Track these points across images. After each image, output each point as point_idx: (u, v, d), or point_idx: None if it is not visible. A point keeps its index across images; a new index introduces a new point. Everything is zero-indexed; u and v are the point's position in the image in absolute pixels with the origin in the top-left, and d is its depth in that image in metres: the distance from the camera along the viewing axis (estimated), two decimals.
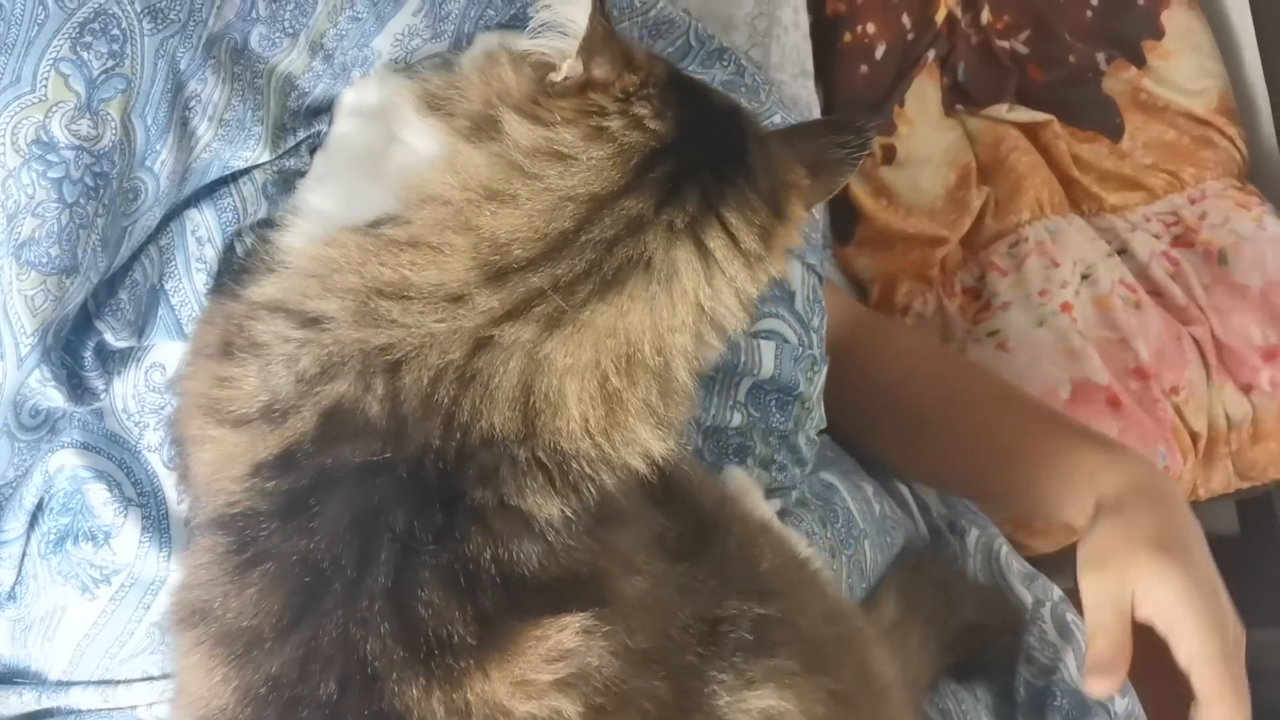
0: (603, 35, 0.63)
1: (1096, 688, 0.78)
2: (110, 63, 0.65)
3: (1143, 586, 0.79)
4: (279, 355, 0.59)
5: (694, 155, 0.63)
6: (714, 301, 0.63)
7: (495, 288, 0.58)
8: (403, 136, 0.65)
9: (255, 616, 0.55)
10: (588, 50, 0.62)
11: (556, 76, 0.63)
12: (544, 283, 0.58)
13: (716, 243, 0.62)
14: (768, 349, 0.89)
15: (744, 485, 0.85)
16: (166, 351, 0.72)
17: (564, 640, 0.54)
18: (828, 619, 0.70)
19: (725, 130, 0.66)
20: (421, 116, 0.64)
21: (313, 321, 0.59)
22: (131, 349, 0.72)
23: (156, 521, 0.71)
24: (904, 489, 1.10)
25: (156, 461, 0.72)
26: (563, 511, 0.57)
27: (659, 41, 0.94)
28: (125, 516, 0.70)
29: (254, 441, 0.58)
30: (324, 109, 0.77)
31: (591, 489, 0.59)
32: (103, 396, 0.72)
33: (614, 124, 0.62)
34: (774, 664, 0.61)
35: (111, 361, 0.72)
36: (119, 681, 0.72)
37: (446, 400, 0.57)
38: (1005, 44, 1.54)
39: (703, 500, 0.71)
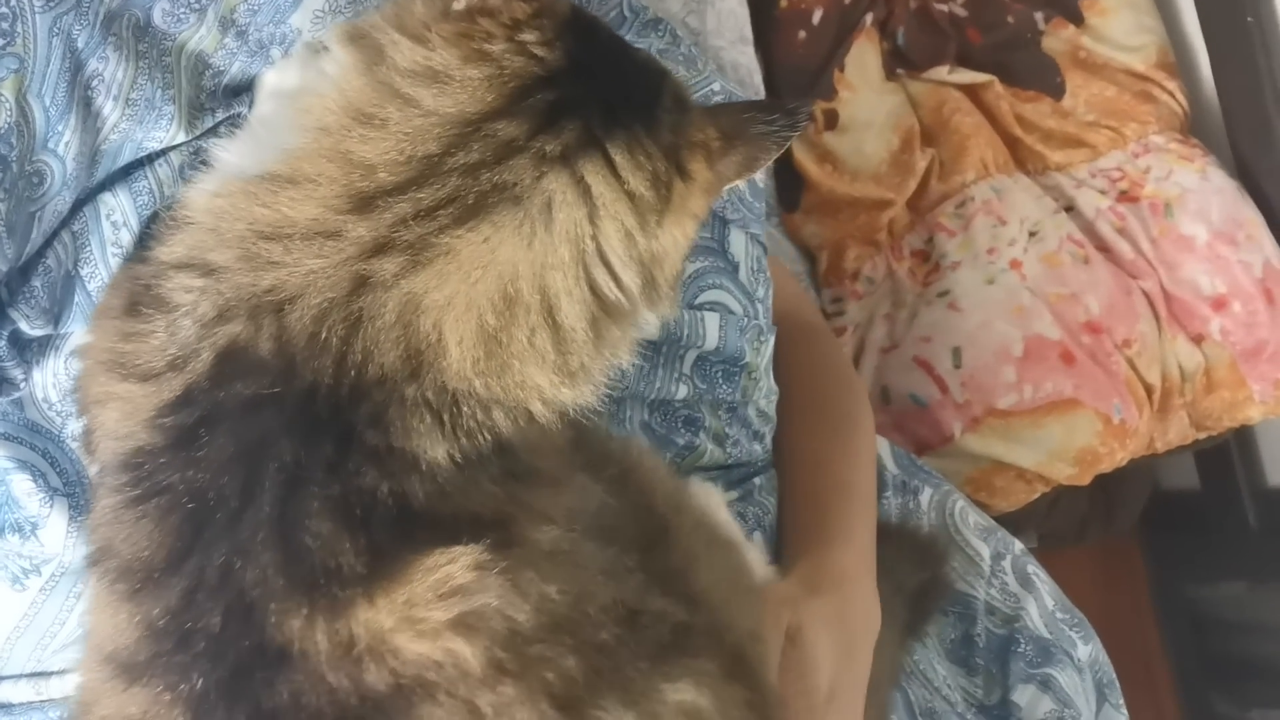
0: None
1: None
2: (0, 42, 0.63)
3: None
4: (184, 306, 0.57)
5: (583, 91, 0.61)
6: (599, 242, 0.60)
7: (363, 216, 0.56)
8: (325, 70, 0.63)
9: (148, 549, 0.54)
10: None
11: (458, 5, 0.61)
12: (408, 209, 0.56)
13: (596, 178, 0.59)
14: (711, 320, 0.88)
15: (710, 500, 0.84)
16: (82, 339, 0.70)
17: (454, 573, 0.52)
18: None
19: (636, 80, 0.64)
20: (341, 47, 0.62)
21: (210, 271, 0.57)
22: (49, 337, 0.70)
23: (84, 510, 0.69)
24: None
25: (80, 450, 0.70)
26: (451, 455, 0.55)
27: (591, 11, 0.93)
28: (51, 506, 0.69)
29: (160, 390, 0.57)
30: (244, 88, 0.75)
31: (486, 435, 0.57)
32: (22, 386, 0.70)
33: (496, 47, 0.60)
34: (693, 664, 0.59)
35: (29, 351, 0.70)
36: (52, 673, 0.71)
37: (335, 340, 0.55)
38: (943, 7, 1.54)
39: (657, 503, 0.69)
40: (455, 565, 0.52)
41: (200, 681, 0.51)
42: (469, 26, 0.60)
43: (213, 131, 0.73)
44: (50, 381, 0.70)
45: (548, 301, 0.58)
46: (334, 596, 0.51)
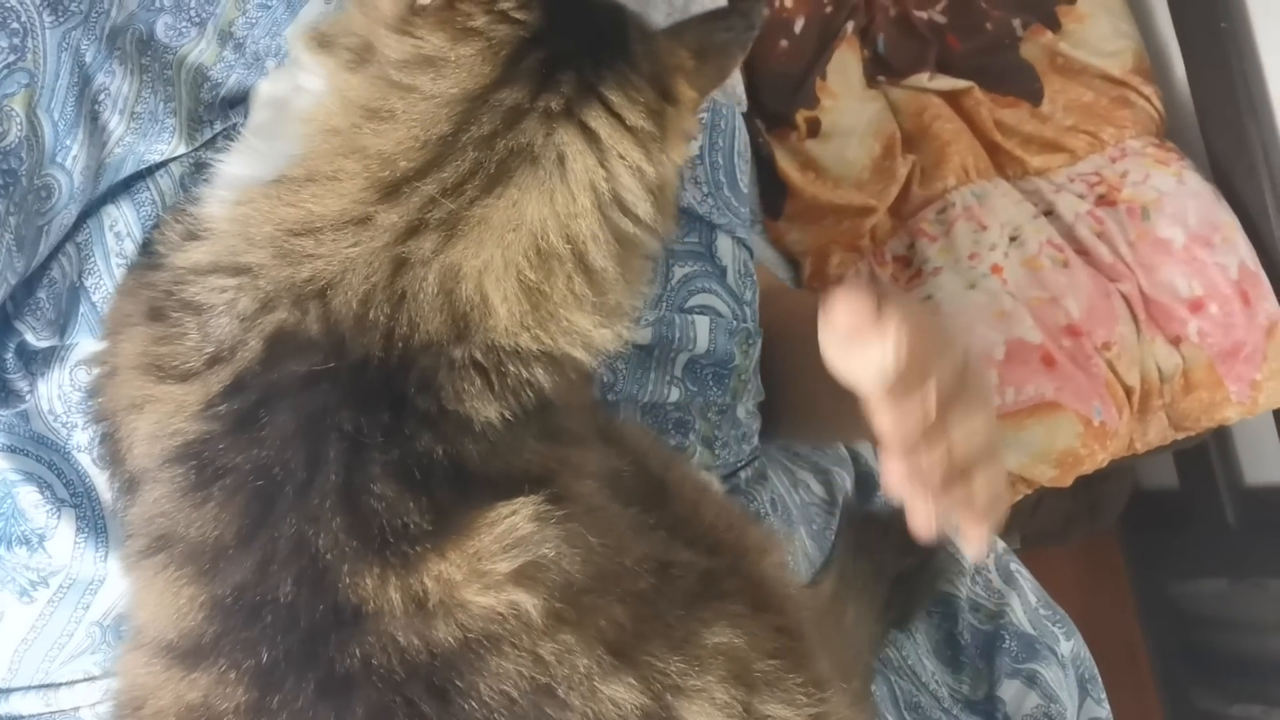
0: None
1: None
2: (11, 57, 0.64)
3: None
4: (219, 306, 0.59)
5: (568, 43, 0.63)
6: (612, 183, 0.63)
7: (392, 203, 0.59)
8: (301, 83, 0.65)
9: (217, 529, 0.56)
10: None
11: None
12: (434, 189, 0.59)
13: (600, 122, 0.62)
14: (702, 324, 0.89)
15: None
16: (91, 350, 0.71)
17: (518, 524, 0.55)
18: (763, 550, 0.71)
19: (603, 21, 0.67)
20: (313, 55, 0.64)
21: (244, 270, 0.60)
22: (54, 349, 0.71)
23: (91, 521, 0.70)
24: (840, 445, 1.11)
25: (87, 461, 0.71)
26: (502, 415, 0.58)
27: None
28: (59, 518, 0.70)
29: (206, 384, 0.58)
30: (240, 100, 0.76)
31: (530, 392, 0.60)
32: (28, 398, 0.71)
33: (479, 21, 0.62)
34: (723, 606, 0.62)
35: (35, 363, 0.71)
36: (60, 684, 0.72)
37: (382, 318, 0.58)
38: (923, 14, 1.56)
39: (650, 463, 0.72)
40: (518, 516, 0.55)
41: (268, 655, 0.53)
42: (449, 11, 0.62)
43: (211, 143, 0.74)
44: (56, 393, 0.71)
45: (577, 249, 0.61)
46: (405, 554, 0.54)
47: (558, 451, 0.61)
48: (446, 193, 0.59)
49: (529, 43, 0.62)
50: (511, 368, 0.60)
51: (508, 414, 0.59)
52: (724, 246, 0.94)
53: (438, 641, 0.53)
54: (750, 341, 0.94)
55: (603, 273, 0.62)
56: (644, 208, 0.64)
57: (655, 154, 0.65)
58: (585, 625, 0.55)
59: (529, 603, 0.54)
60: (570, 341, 0.62)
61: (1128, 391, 1.41)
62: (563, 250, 0.61)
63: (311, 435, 0.56)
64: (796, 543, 0.92)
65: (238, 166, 0.64)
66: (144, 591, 0.58)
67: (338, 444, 0.55)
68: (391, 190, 0.59)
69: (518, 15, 0.62)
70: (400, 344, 0.58)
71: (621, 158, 0.63)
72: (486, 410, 0.58)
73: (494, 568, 0.54)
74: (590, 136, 0.62)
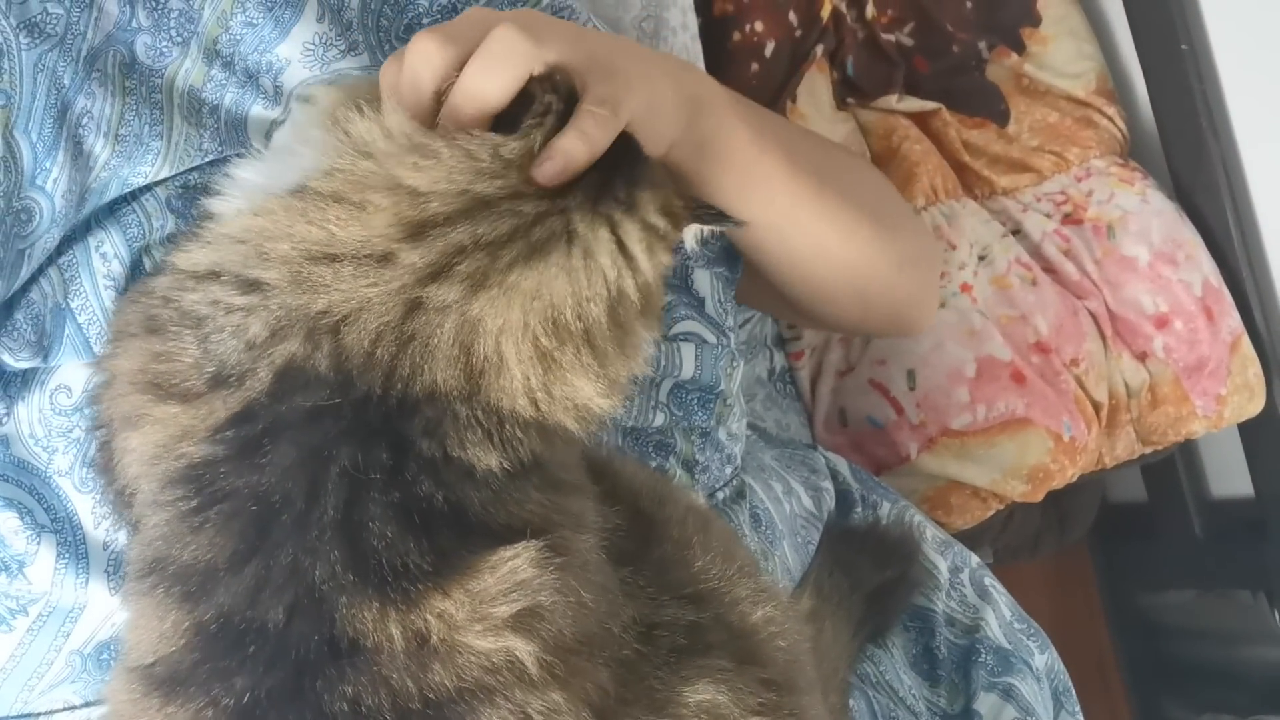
0: None
1: None
2: None
3: None
4: (225, 325, 0.59)
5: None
6: (620, 281, 0.63)
7: (415, 243, 0.59)
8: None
9: (210, 552, 0.55)
10: None
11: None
12: (466, 239, 0.59)
13: (627, 230, 0.63)
14: (688, 350, 0.90)
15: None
16: (72, 373, 0.71)
17: (519, 567, 0.55)
18: (756, 601, 0.71)
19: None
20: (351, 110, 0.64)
21: (254, 286, 0.59)
22: (34, 371, 0.71)
23: (73, 547, 0.70)
24: (819, 458, 1.12)
25: (68, 486, 0.70)
26: (502, 465, 0.58)
27: None
28: (39, 544, 0.69)
29: (212, 410, 0.58)
30: (241, 124, 0.76)
31: (524, 449, 0.60)
32: (5, 421, 0.71)
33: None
34: (707, 663, 0.62)
35: (12, 385, 0.71)
36: (39, 714, 0.71)
37: (387, 357, 0.58)
38: (890, 37, 1.58)
39: (643, 502, 0.72)
40: (519, 560, 0.55)
41: (249, 692, 0.52)
42: None
43: (198, 170, 0.74)
44: (36, 417, 0.70)
45: (586, 327, 0.62)
46: (405, 590, 0.53)
47: (558, 501, 0.61)
48: (479, 247, 0.59)
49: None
50: (508, 428, 0.60)
51: (508, 465, 0.59)
52: (700, 279, 0.94)
53: (433, 686, 0.52)
54: (734, 364, 0.94)
55: (604, 354, 0.63)
56: (636, 301, 0.65)
57: (658, 254, 0.66)
58: (574, 686, 0.55)
59: (525, 650, 0.54)
60: (572, 407, 0.62)
61: (1096, 407, 1.43)
62: (575, 326, 0.61)
63: (311, 468, 0.55)
64: (777, 559, 0.92)
65: (255, 174, 0.64)
66: (134, 614, 0.58)
67: (338, 479, 0.55)
68: (417, 230, 0.59)
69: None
70: (400, 384, 0.58)
71: (635, 259, 0.64)
72: (488, 459, 0.58)
73: (494, 611, 0.54)
74: (617, 240, 0.63)
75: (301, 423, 0.56)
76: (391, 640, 0.52)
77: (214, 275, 0.60)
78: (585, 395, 0.62)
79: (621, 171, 0.64)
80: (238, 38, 0.75)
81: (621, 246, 0.63)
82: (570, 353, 0.61)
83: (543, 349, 0.60)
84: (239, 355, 0.58)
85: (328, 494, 0.55)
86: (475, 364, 0.59)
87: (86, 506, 0.70)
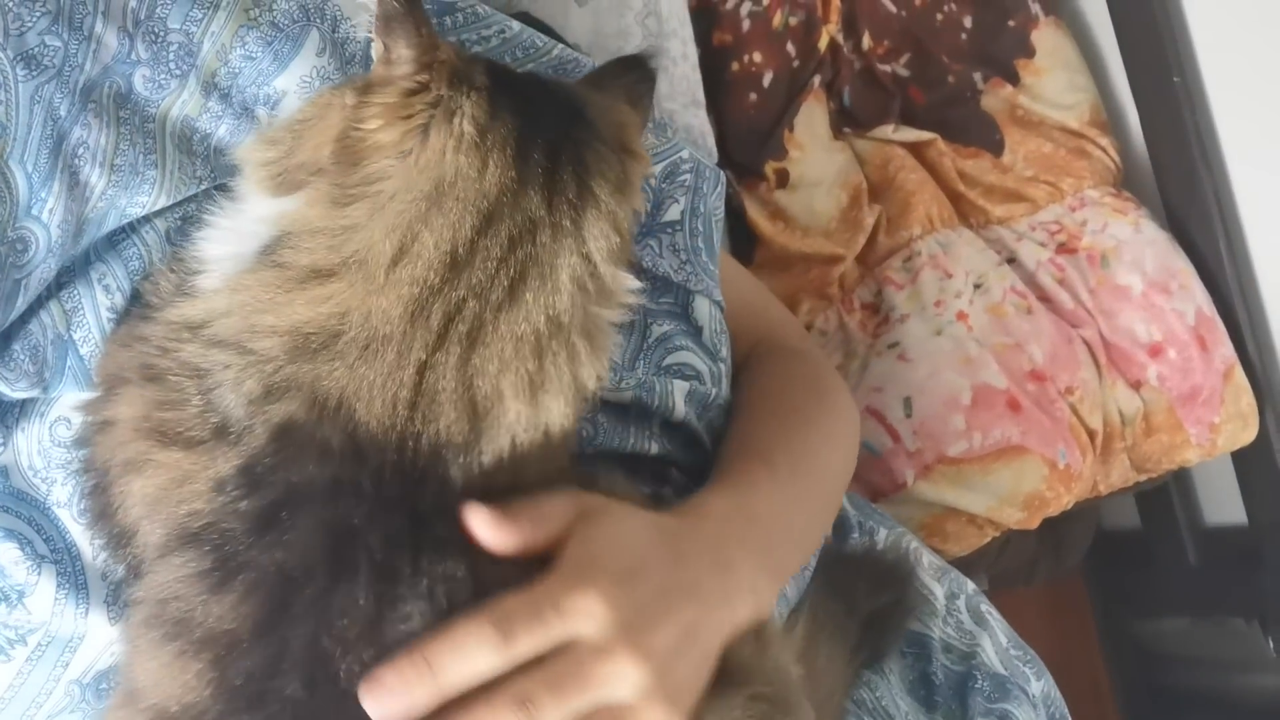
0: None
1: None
2: None
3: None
4: (224, 380, 0.61)
5: (549, 130, 0.66)
6: (591, 269, 0.66)
7: (415, 322, 0.61)
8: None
9: (234, 621, 0.57)
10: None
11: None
12: (461, 294, 0.61)
13: (591, 223, 0.66)
14: (680, 391, 0.90)
15: None
16: (72, 403, 0.71)
17: None
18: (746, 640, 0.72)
19: (557, 95, 0.70)
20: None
21: (249, 352, 0.61)
22: (33, 402, 0.71)
23: (72, 577, 0.70)
24: None
25: (67, 517, 0.70)
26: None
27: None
28: (39, 574, 0.69)
29: (213, 459, 0.60)
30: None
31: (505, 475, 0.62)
32: (2, 452, 0.71)
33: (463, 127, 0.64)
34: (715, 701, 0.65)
35: (10, 415, 0.71)
36: None
37: (400, 422, 0.60)
38: (887, 68, 1.59)
39: None
40: None
41: None
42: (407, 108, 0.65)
43: (194, 199, 0.75)
44: (35, 448, 0.70)
45: (564, 332, 0.64)
46: None
47: None
48: (474, 297, 0.61)
49: (526, 138, 0.65)
50: (492, 475, 0.62)
51: None
52: (700, 308, 0.95)
53: None
54: (723, 416, 0.95)
55: (575, 348, 0.65)
56: (610, 271, 0.67)
57: (623, 221, 0.68)
58: None
59: None
60: (538, 432, 0.64)
61: (1091, 435, 1.44)
62: (555, 337, 0.64)
63: (338, 551, 0.57)
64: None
65: (222, 249, 0.66)
66: (148, 659, 0.59)
67: (368, 569, 0.57)
68: (420, 309, 0.61)
69: (480, 113, 0.64)
70: (412, 443, 0.60)
71: (600, 243, 0.66)
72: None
73: None
74: (580, 240, 0.66)
75: (322, 498, 0.58)
76: None
77: (213, 337, 0.62)
78: (555, 415, 0.64)
79: (569, 136, 0.66)
80: (236, 70, 0.75)
81: (585, 246, 0.65)
82: (549, 366, 0.64)
83: (528, 375, 0.63)
84: (238, 410, 0.60)
85: (358, 584, 0.57)
86: (479, 407, 0.61)
87: (86, 537, 0.70)
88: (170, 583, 0.59)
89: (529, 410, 0.63)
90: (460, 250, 0.62)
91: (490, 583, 0.59)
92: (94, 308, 0.71)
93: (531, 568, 0.61)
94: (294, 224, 0.63)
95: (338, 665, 0.55)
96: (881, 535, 1.08)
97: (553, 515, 0.63)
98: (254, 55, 0.75)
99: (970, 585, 1.09)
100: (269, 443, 0.59)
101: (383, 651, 0.56)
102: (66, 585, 0.69)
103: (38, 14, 0.66)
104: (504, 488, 0.62)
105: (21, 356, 0.69)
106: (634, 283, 0.70)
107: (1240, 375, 1.47)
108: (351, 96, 0.66)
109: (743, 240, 1.49)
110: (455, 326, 0.61)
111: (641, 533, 0.68)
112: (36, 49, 0.66)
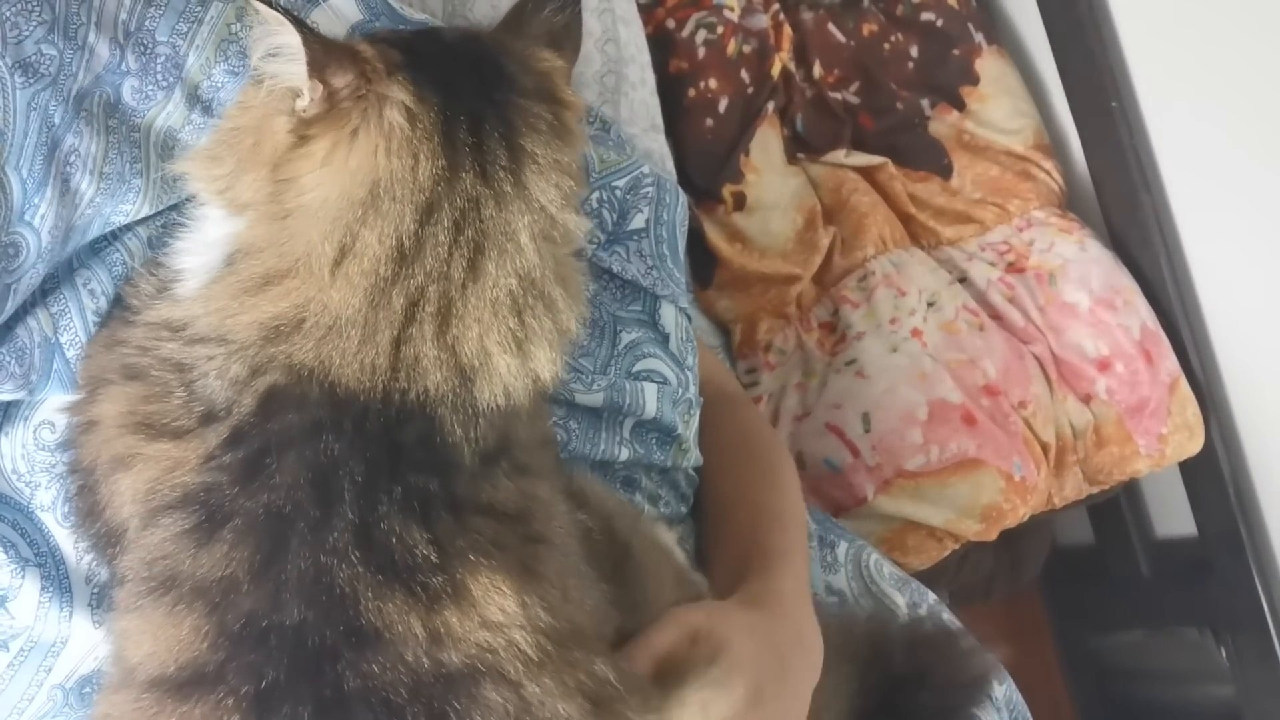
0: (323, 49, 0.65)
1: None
2: None
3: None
4: (209, 370, 0.63)
5: (466, 95, 0.68)
6: (547, 220, 0.68)
7: (380, 305, 0.63)
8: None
9: (229, 567, 0.58)
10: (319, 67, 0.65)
11: (301, 103, 0.66)
12: (419, 281, 0.64)
13: (534, 180, 0.68)
14: (650, 391, 0.92)
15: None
16: (56, 406, 0.71)
17: (506, 604, 0.59)
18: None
19: (468, 54, 0.71)
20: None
21: (229, 341, 0.63)
22: (18, 406, 0.71)
23: (56, 580, 0.70)
24: None
25: (51, 521, 0.71)
26: (474, 456, 0.64)
27: None
28: (23, 578, 0.69)
29: (203, 441, 0.61)
30: None
31: (491, 437, 0.65)
32: None
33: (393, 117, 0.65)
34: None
35: None
36: None
37: (382, 381, 0.62)
38: (837, 95, 1.63)
39: (617, 524, 0.76)
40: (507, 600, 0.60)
41: (269, 678, 0.55)
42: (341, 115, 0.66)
43: (176, 208, 0.76)
44: (19, 452, 0.71)
45: (537, 286, 0.67)
46: (425, 586, 0.58)
47: (527, 487, 0.65)
48: (434, 282, 0.64)
49: (448, 120, 0.66)
50: (481, 421, 0.65)
51: (480, 455, 0.64)
52: (667, 314, 0.97)
53: (443, 664, 0.56)
54: (691, 412, 0.97)
55: (552, 299, 0.68)
56: (571, 219, 0.70)
57: (569, 164, 0.70)
58: (565, 674, 0.59)
59: (523, 641, 0.59)
60: (528, 383, 0.67)
61: (1044, 448, 1.47)
62: (531, 293, 0.67)
63: (323, 481, 0.59)
64: None
65: (189, 260, 0.69)
66: (139, 632, 0.59)
67: (350, 489, 0.59)
68: (379, 296, 0.64)
69: (406, 97, 0.66)
70: (398, 396, 0.62)
71: (555, 197, 0.69)
72: (465, 449, 0.63)
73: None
74: (531, 200, 0.68)
75: (303, 438, 0.60)
76: (412, 630, 0.56)
77: (188, 334, 0.65)
78: (543, 362, 0.67)
79: (490, 102, 0.68)
80: (219, 85, 0.77)
81: (536, 202, 0.68)
82: (532, 320, 0.67)
83: (514, 331, 0.66)
84: (225, 393, 0.62)
85: (345, 503, 0.59)
86: (464, 365, 0.64)
87: (70, 541, 0.71)
88: (156, 544, 0.60)
89: (518, 361, 0.66)
90: (406, 243, 0.64)
91: (463, 498, 0.62)
92: (80, 312, 0.71)
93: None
94: (244, 243, 0.65)
95: (334, 574, 0.57)
96: (842, 548, 1.10)
97: (661, 644, 0.70)
98: (236, 70, 0.77)
99: (931, 595, 1.11)
100: (257, 408, 0.61)
101: (370, 552, 0.58)
102: (50, 589, 0.70)
103: (34, 23, 0.68)
104: (494, 451, 0.65)
105: (8, 359, 0.70)
106: (586, 223, 0.73)
107: (1185, 387, 1.51)
108: (285, 122, 0.66)
109: (702, 261, 1.52)
110: (421, 309, 0.63)
111: (749, 645, 0.74)
112: (33, 57, 0.68)
